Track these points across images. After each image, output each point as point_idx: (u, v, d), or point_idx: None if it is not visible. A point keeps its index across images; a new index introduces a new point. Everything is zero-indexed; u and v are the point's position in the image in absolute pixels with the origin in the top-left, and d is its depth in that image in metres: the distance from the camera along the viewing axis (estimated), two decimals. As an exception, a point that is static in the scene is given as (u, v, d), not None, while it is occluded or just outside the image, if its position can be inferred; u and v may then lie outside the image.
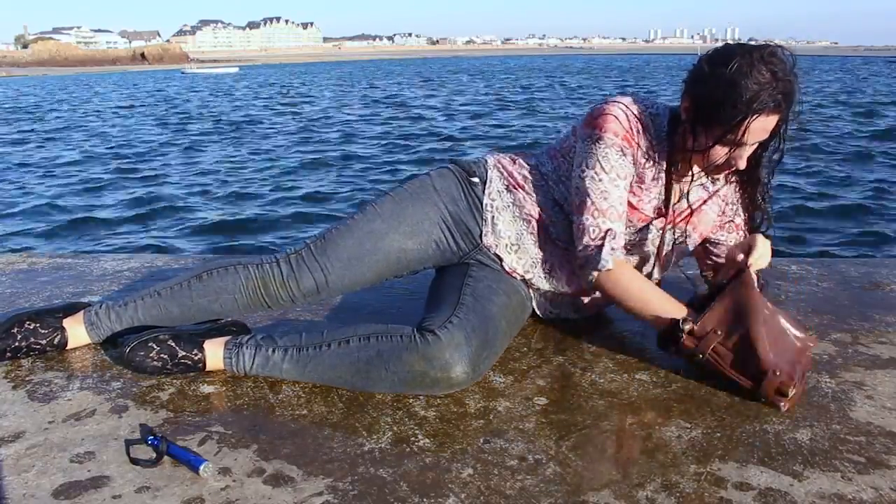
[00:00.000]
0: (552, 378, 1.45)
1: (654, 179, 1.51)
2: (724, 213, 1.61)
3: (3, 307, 1.85)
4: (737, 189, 1.59)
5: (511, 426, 1.26)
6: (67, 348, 1.55)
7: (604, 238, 1.44)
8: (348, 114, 19.13)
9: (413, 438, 1.22)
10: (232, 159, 11.32)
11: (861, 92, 24.49)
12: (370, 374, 1.36)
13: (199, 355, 1.43)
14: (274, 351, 1.41)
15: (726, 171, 1.46)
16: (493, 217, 1.56)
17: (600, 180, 1.44)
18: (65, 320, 1.56)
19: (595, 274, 1.46)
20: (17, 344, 1.49)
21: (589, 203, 1.45)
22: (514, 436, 1.23)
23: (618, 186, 1.46)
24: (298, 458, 1.17)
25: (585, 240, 1.46)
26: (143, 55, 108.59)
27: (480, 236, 1.56)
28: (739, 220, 1.61)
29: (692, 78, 1.41)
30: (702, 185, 1.56)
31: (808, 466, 1.14)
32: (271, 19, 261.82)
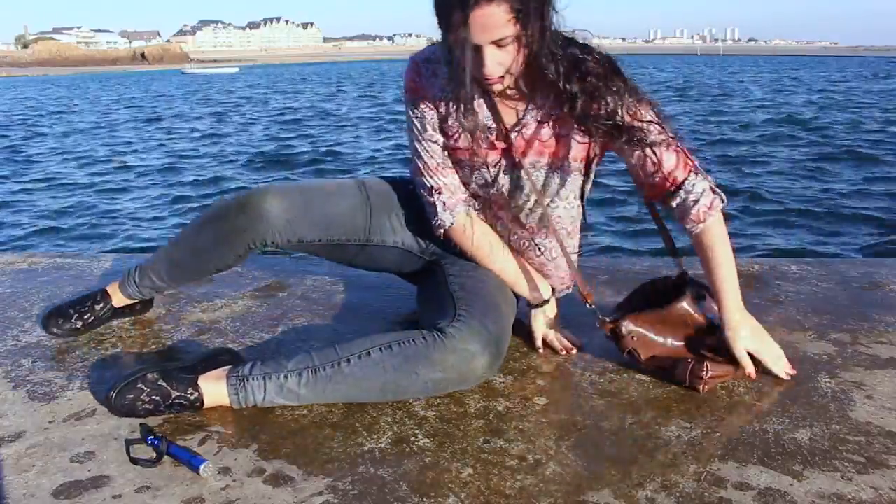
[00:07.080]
0: (552, 378, 1.45)
1: (465, 109, 1.38)
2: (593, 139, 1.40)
3: (3, 307, 1.86)
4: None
5: (511, 426, 1.26)
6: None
7: (431, 194, 1.48)
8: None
9: (413, 438, 1.23)
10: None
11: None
12: (399, 382, 1.31)
13: (196, 394, 1.30)
14: (286, 377, 1.31)
15: (482, 77, 1.28)
16: None
17: (410, 141, 1.50)
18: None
19: (440, 231, 1.49)
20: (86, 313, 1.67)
21: (413, 164, 1.51)
22: (514, 436, 1.23)
23: (420, 141, 1.47)
24: (298, 458, 1.17)
25: (423, 198, 1.51)
26: (143, 55, 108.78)
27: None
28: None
29: None
30: (542, 108, 1.40)
31: (807, 466, 1.14)
32: (271, 19, 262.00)
